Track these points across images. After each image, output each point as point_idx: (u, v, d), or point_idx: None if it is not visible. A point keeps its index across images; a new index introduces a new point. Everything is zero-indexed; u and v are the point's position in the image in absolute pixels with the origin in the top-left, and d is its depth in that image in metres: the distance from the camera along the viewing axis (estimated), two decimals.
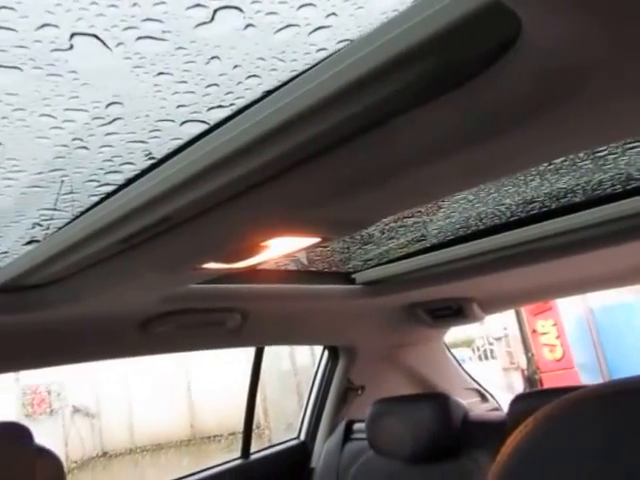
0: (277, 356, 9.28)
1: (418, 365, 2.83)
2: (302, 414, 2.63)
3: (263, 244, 1.07)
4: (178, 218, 0.95)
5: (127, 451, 10.87)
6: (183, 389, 11.38)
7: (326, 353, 2.64)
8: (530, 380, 8.06)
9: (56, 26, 0.55)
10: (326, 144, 0.72)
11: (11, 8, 0.51)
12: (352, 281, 2.11)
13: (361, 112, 0.65)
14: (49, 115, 0.74)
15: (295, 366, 9.63)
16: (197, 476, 2.10)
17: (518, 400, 1.81)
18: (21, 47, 0.58)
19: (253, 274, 1.69)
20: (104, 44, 0.58)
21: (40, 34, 0.56)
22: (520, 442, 0.60)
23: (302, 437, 2.55)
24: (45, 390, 10.46)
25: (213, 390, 10.73)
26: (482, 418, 2.06)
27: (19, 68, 0.61)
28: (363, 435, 2.14)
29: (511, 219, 1.73)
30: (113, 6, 0.52)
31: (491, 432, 1.83)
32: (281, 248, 1.13)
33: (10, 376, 8.90)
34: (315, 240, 1.11)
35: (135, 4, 0.52)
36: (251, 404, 2.41)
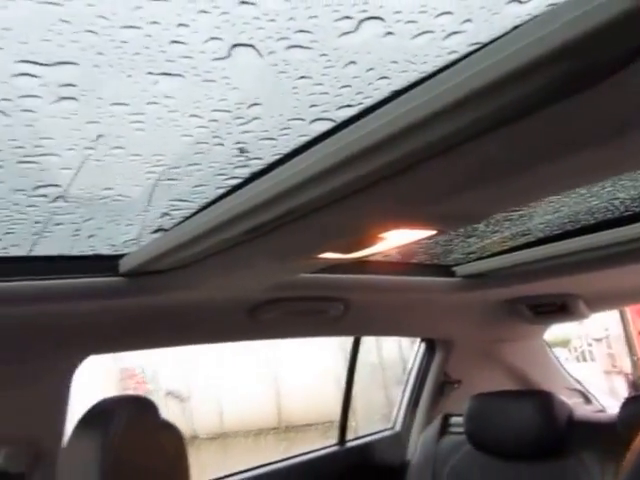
0: (365, 351, 9.29)
1: (517, 361, 2.78)
2: (397, 405, 2.66)
3: (380, 236, 1.11)
4: (302, 211, 0.98)
5: (234, 434, 11.29)
6: (270, 379, 11.67)
7: (423, 345, 2.65)
8: (635, 385, 7.60)
9: (220, 39, 0.62)
10: (454, 142, 0.73)
11: (186, 25, 0.59)
12: (452, 274, 2.11)
13: (488, 114, 0.65)
14: (197, 116, 0.82)
15: (382, 360, 9.62)
16: (297, 459, 2.19)
17: (630, 403, 1.75)
18: (187, 57, 0.65)
19: (356, 265, 1.72)
20: (258, 53, 0.64)
21: (206, 46, 0.63)
22: None
23: (397, 428, 2.58)
24: (142, 373, 11.08)
25: (300, 380, 10.94)
26: (590, 419, 2.00)
27: (182, 75, 0.69)
28: (460, 429, 2.15)
29: (625, 214, 1.66)
30: (272, 20, 0.58)
31: (600, 434, 1.78)
32: (396, 240, 1.16)
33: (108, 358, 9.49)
34: (431, 233, 1.13)
35: (291, 18, 0.58)
36: (348, 392, 2.47)
